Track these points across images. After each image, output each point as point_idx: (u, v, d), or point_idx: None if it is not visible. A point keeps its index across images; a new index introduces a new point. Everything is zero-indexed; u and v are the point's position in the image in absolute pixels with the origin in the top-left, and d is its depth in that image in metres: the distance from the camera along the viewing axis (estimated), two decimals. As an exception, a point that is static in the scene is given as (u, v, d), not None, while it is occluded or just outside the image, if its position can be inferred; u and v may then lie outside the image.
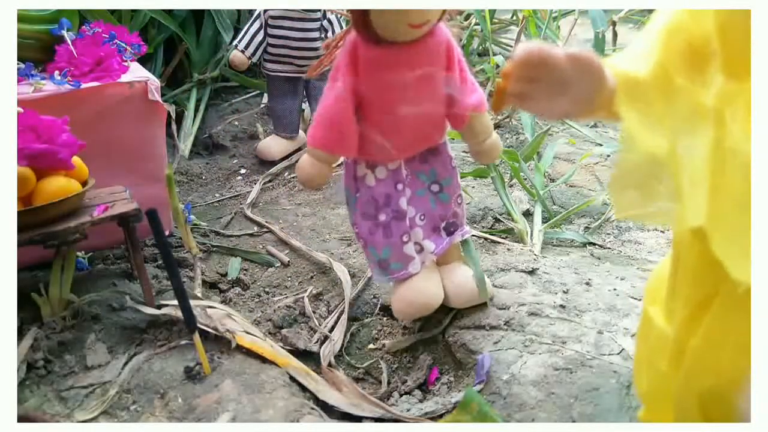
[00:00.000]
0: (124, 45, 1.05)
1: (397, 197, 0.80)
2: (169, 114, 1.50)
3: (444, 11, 0.71)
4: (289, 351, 0.83)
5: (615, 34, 1.90)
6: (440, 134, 0.81)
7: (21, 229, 0.74)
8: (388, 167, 0.80)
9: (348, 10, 0.71)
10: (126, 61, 1.03)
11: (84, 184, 0.83)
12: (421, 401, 0.78)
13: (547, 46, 0.44)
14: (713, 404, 0.47)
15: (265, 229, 1.19)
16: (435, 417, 0.73)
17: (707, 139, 0.39)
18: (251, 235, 1.18)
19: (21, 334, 0.79)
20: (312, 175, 0.75)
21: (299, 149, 1.52)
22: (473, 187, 1.29)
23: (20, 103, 0.82)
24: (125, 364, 0.78)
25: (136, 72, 1.01)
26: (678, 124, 0.41)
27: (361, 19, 0.69)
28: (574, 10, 1.78)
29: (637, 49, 0.45)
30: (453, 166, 0.84)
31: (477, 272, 0.85)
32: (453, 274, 0.86)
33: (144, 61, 1.25)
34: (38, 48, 1.01)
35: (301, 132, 1.53)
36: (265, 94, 1.66)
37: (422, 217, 0.83)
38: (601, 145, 1.43)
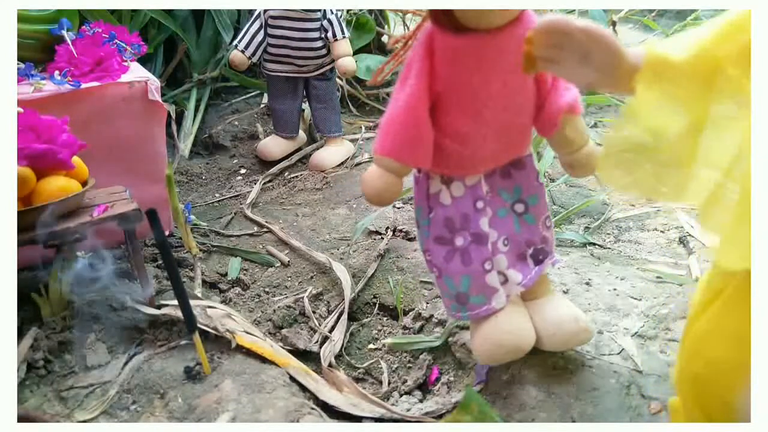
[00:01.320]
0: (124, 45, 1.05)
1: (477, 217, 0.69)
2: (169, 114, 1.50)
3: None
4: (289, 351, 0.83)
5: (615, 34, 1.90)
6: (526, 144, 0.71)
7: (21, 229, 0.74)
8: (465, 183, 0.69)
9: None
10: (126, 61, 1.03)
11: (84, 184, 0.83)
12: (421, 401, 0.78)
13: (567, 18, 0.48)
14: (707, 393, 0.47)
15: (265, 229, 1.19)
16: (435, 417, 0.73)
17: (740, 128, 0.40)
18: (251, 235, 1.18)
19: (21, 334, 0.79)
20: (381, 189, 0.64)
21: (299, 149, 1.52)
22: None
23: (20, 103, 0.82)
24: (125, 364, 0.78)
25: (136, 72, 1.01)
26: (716, 109, 0.42)
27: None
28: (574, 10, 1.78)
29: (687, 37, 0.46)
30: (539, 182, 0.73)
31: (571, 307, 0.74)
32: (543, 311, 0.74)
33: (144, 61, 1.25)
34: (38, 48, 1.01)
35: (301, 132, 1.53)
36: (265, 94, 1.66)
37: (506, 242, 0.72)
38: (601, 144, 1.43)
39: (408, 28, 1.99)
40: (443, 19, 0.61)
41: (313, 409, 0.71)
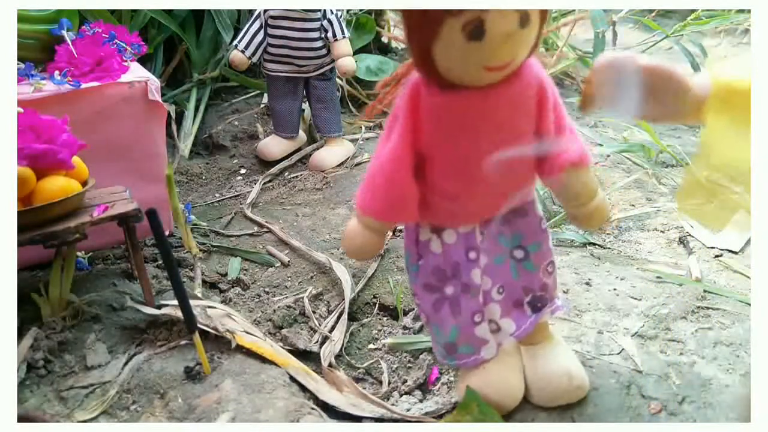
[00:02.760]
0: (124, 45, 1.05)
1: (468, 268, 0.66)
2: (169, 114, 1.50)
3: (536, 45, 0.54)
4: (289, 351, 0.83)
5: (615, 34, 1.90)
6: (526, 192, 0.66)
7: (21, 229, 0.74)
8: (458, 230, 0.65)
9: (406, 43, 0.54)
10: (126, 61, 1.03)
11: (84, 184, 0.83)
12: (421, 401, 0.78)
13: (628, 57, 0.46)
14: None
15: (265, 229, 1.19)
16: (435, 417, 0.73)
17: None
18: (251, 235, 1.18)
19: (21, 334, 0.79)
20: (361, 246, 0.62)
21: (299, 149, 1.52)
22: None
23: (20, 103, 0.82)
24: (125, 364, 0.78)
25: (136, 72, 1.01)
26: None
27: (421, 56, 0.53)
28: (574, 10, 1.78)
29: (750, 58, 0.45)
30: (543, 228, 0.68)
31: (568, 360, 0.70)
32: (537, 361, 0.70)
33: (144, 61, 1.25)
34: (38, 48, 1.01)
35: (301, 132, 1.53)
36: (265, 94, 1.66)
37: (500, 290, 0.68)
38: (601, 145, 1.43)
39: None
40: (426, 73, 0.55)
41: (313, 409, 0.71)
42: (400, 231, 1.12)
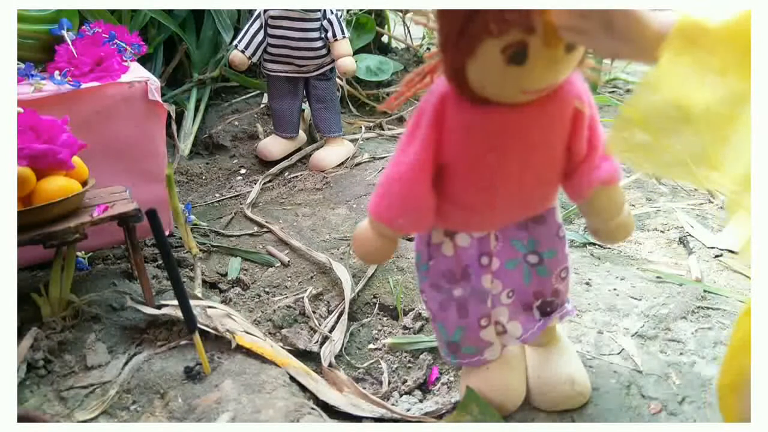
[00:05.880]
0: (124, 45, 1.05)
1: (479, 273, 0.65)
2: (169, 114, 1.50)
3: (581, 62, 0.52)
4: (289, 351, 0.83)
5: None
6: (548, 203, 0.64)
7: (21, 229, 0.74)
8: (472, 234, 0.64)
9: (439, 52, 0.52)
10: (126, 61, 1.03)
11: (84, 184, 0.83)
12: (421, 401, 0.78)
13: None
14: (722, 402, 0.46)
15: (265, 229, 1.19)
16: (435, 417, 0.73)
17: None
18: (251, 235, 1.18)
19: (21, 334, 0.79)
20: (373, 251, 0.61)
21: (299, 149, 1.52)
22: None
23: (20, 103, 0.82)
24: (125, 364, 0.78)
25: (136, 72, 1.01)
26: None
27: (453, 70, 0.51)
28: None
29: (727, 2, 0.42)
30: (560, 235, 0.66)
31: (572, 365, 0.70)
32: (542, 365, 0.70)
33: (144, 61, 1.25)
34: (38, 48, 1.01)
35: (301, 132, 1.53)
36: (265, 94, 1.66)
37: (510, 294, 0.67)
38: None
39: (408, 29, 1.99)
40: (458, 87, 0.52)
41: (313, 409, 0.71)
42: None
